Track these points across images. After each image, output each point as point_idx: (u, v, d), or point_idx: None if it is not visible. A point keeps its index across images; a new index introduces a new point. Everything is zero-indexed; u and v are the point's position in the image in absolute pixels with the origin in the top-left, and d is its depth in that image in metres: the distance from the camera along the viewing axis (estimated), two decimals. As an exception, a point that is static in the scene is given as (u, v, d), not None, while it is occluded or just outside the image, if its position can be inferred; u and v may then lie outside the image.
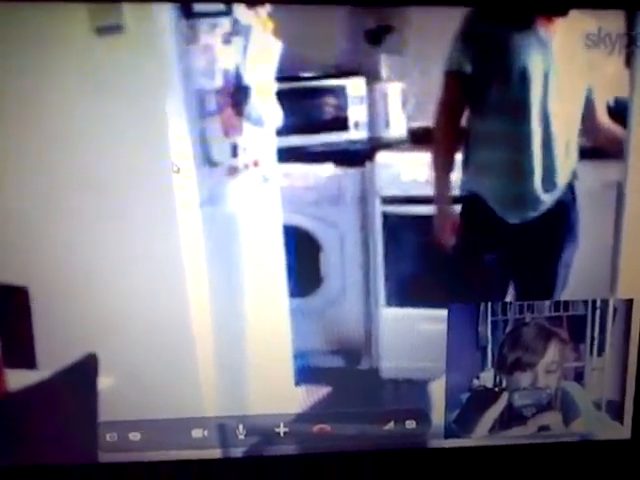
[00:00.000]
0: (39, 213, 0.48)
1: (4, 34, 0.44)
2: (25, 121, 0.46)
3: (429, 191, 0.50)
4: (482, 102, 0.48)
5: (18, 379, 0.50)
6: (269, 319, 0.51)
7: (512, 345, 0.53)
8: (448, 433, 0.55)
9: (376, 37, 0.47)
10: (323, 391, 0.53)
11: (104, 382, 0.51)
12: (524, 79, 0.47)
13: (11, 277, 0.48)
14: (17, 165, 0.47)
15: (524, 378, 0.54)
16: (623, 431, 0.56)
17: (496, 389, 0.54)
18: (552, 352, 0.54)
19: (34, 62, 0.45)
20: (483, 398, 0.54)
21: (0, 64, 0.45)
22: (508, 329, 0.53)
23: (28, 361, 0.49)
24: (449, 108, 0.48)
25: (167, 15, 0.45)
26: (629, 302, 0.54)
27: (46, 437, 0.51)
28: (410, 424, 0.54)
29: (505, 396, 0.54)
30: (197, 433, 0.53)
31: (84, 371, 0.50)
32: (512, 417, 0.55)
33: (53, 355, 0.50)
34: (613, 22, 0.48)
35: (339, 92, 0.48)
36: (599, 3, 0.48)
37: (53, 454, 0.52)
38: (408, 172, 0.49)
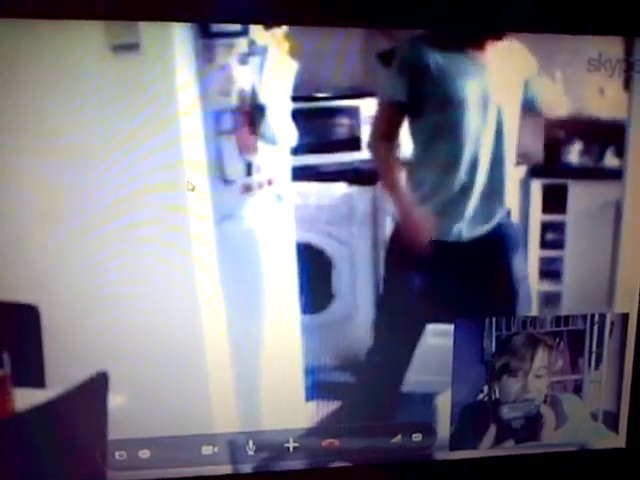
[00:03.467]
0: (50, 231, 0.47)
1: (20, 51, 0.44)
2: (37, 137, 0.46)
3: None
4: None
5: (27, 398, 0.49)
6: (281, 335, 0.51)
7: (502, 352, 0.55)
8: (453, 445, 0.56)
9: (389, 59, 0.48)
10: (333, 406, 0.53)
11: (114, 400, 0.50)
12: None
13: (21, 295, 0.48)
14: (28, 182, 0.46)
15: (513, 384, 0.55)
16: (618, 440, 0.58)
17: (491, 400, 0.55)
18: (540, 358, 0.55)
19: (49, 79, 0.45)
20: (483, 410, 0.56)
21: (15, 81, 0.44)
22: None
23: (37, 380, 0.49)
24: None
25: (184, 34, 0.45)
26: (625, 316, 0.56)
27: (54, 457, 0.51)
28: (417, 437, 0.55)
29: (498, 407, 0.56)
30: (207, 450, 0.53)
31: (94, 389, 0.50)
32: (505, 428, 0.56)
33: (63, 373, 0.49)
34: (613, 47, 0.50)
35: (353, 112, 0.48)
36: (598, 29, 0.50)
37: (61, 474, 0.51)
38: (417, 191, 0.51)
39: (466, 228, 0.51)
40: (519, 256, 0.53)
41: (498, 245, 0.52)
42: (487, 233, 0.52)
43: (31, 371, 0.49)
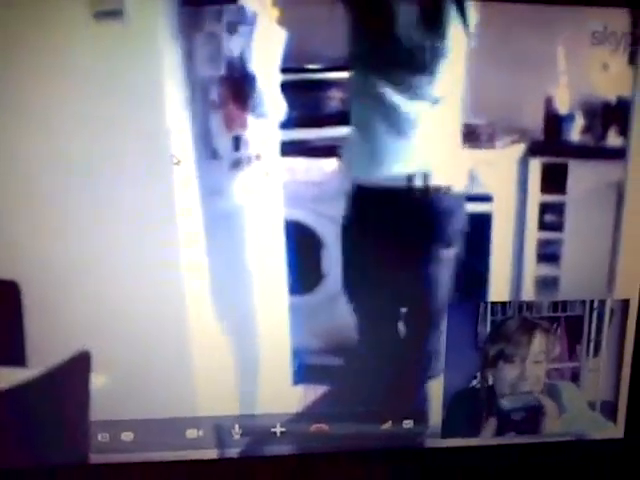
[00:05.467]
0: (31, 205, 0.46)
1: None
2: (18, 107, 0.44)
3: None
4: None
5: (7, 377, 0.48)
6: (268, 317, 0.50)
7: (497, 337, 0.53)
8: (445, 432, 0.54)
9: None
10: (321, 390, 0.52)
11: (97, 380, 0.49)
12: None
13: (2, 272, 0.46)
14: (7, 154, 0.45)
15: (511, 370, 0.54)
16: (616, 430, 0.57)
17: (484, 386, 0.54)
18: (538, 342, 0.54)
19: (29, 47, 0.43)
20: (478, 397, 0.54)
21: (-6, 48, 0.43)
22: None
23: (18, 358, 0.48)
24: None
25: (169, 1, 0.44)
26: (625, 302, 0.54)
27: (36, 437, 0.49)
28: (407, 424, 0.54)
29: (494, 396, 0.54)
30: (192, 433, 0.51)
31: (76, 369, 0.49)
32: (503, 420, 0.55)
33: (44, 352, 0.48)
34: (618, 20, 0.48)
35: (344, 85, 0.47)
36: (604, 0, 0.47)
37: (43, 455, 0.50)
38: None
39: None
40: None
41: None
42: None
43: (12, 349, 0.48)
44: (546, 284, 0.52)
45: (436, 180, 0.49)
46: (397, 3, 0.45)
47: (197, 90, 0.45)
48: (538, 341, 0.54)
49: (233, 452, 0.53)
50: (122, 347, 0.49)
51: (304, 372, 0.51)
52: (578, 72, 0.48)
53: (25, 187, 0.45)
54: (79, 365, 0.49)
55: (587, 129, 0.49)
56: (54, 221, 0.46)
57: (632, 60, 0.48)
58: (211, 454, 0.52)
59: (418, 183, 0.49)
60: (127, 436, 0.51)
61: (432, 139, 0.48)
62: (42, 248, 0.47)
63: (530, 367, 0.54)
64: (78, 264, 0.47)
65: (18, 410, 0.49)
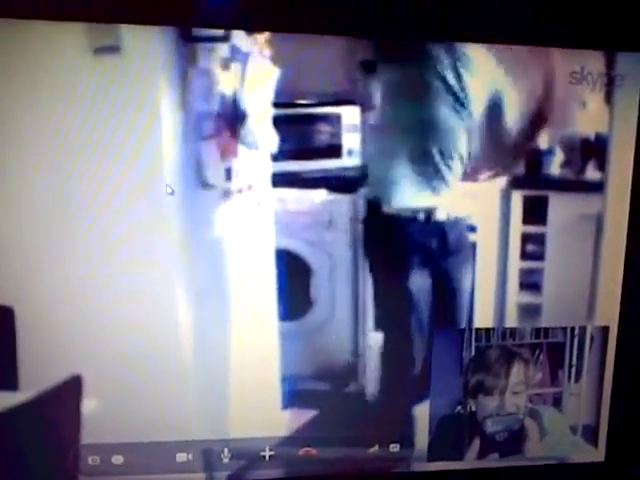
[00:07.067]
0: (26, 232, 0.47)
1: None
2: (15, 140, 0.45)
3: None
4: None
5: (-1, 401, 0.48)
6: (258, 342, 0.51)
7: (478, 367, 0.54)
8: (431, 456, 0.55)
9: (371, 67, 0.48)
10: (310, 414, 0.53)
11: (88, 404, 0.50)
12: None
13: (-4, 297, 0.47)
14: (2, 182, 0.46)
15: (491, 401, 0.55)
16: (597, 454, 0.58)
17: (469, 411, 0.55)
18: (516, 373, 0.55)
19: (29, 81, 0.44)
20: (462, 421, 0.55)
21: (-6, 81, 0.44)
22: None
23: (10, 382, 0.48)
24: None
25: (165, 38, 0.45)
26: (605, 329, 0.56)
27: (26, 460, 0.50)
28: (394, 447, 0.55)
29: (478, 421, 0.55)
30: (181, 457, 0.52)
31: (68, 393, 0.49)
32: (486, 441, 0.56)
33: (36, 376, 0.49)
34: (594, 62, 0.50)
35: (334, 120, 0.48)
36: (581, 43, 0.50)
37: (33, 478, 0.50)
38: (398, 199, 0.50)
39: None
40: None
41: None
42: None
43: (4, 373, 0.48)
44: (528, 311, 0.54)
45: (423, 211, 0.51)
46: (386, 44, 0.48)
47: (192, 122, 0.47)
48: (516, 372, 0.55)
49: (222, 476, 0.53)
50: (113, 371, 0.50)
51: (293, 396, 0.52)
52: (558, 109, 0.50)
53: (19, 214, 0.47)
54: (71, 389, 0.49)
55: (567, 163, 0.51)
56: (48, 248, 0.47)
57: (608, 99, 0.51)
58: (200, 478, 0.53)
59: (407, 213, 0.50)
60: (117, 459, 0.51)
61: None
62: (37, 274, 0.47)
63: (509, 399, 0.55)
64: (72, 291, 0.48)
65: (9, 433, 0.49)
